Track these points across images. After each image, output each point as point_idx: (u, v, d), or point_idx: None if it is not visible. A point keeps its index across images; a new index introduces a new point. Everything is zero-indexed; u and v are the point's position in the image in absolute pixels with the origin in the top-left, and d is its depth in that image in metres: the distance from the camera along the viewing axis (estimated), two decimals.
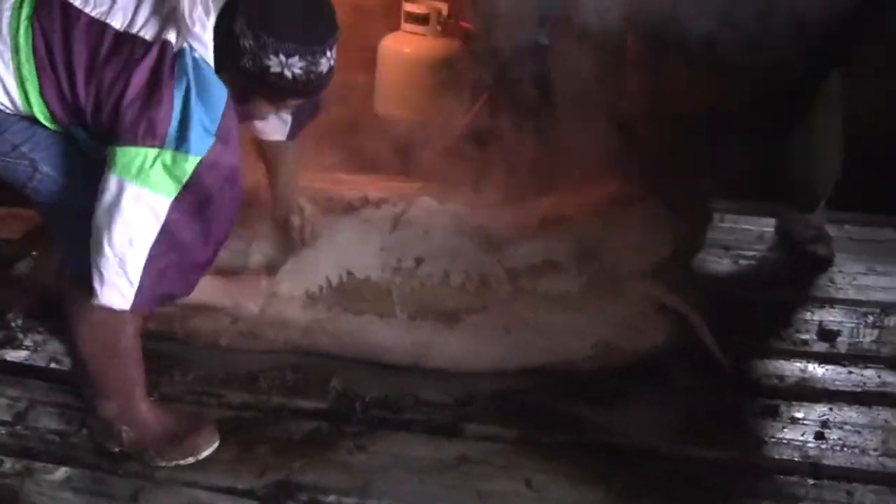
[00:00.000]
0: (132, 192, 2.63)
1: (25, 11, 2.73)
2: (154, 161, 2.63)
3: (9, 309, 3.69)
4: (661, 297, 3.44)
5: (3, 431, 3.15)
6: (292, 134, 3.35)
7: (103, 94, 2.69)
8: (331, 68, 2.75)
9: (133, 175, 2.63)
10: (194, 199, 2.69)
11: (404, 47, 5.01)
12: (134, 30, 2.71)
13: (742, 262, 4.34)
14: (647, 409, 3.35)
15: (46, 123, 2.81)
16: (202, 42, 2.67)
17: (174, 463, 3.01)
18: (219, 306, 3.39)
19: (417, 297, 3.42)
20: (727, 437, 3.24)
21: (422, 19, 5.00)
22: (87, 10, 2.73)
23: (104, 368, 2.98)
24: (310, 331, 3.43)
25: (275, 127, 3.29)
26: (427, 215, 3.51)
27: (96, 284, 2.71)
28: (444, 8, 5.02)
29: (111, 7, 2.74)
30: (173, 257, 2.74)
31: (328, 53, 2.71)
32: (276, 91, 2.75)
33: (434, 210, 3.56)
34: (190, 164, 2.65)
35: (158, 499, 2.92)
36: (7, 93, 2.76)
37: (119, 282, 2.70)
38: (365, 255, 3.46)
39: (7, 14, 2.74)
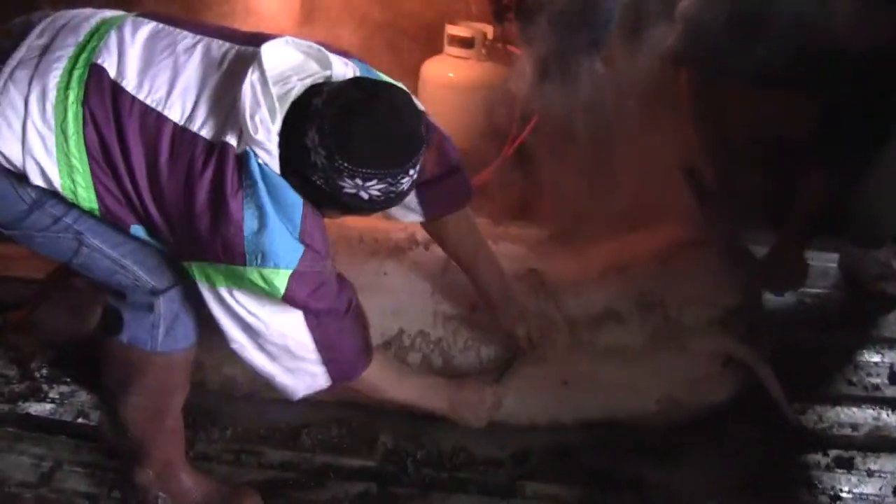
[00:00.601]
0: (243, 298, 2.55)
1: (74, 94, 2.46)
2: (241, 274, 2.48)
3: (32, 357, 3.50)
4: (728, 349, 3.25)
5: (28, 495, 2.97)
6: (432, 214, 3.05)
7: (169, 208, 2.48)
8: (413, 182, 2.51)
9: (224, 282, 2.53)
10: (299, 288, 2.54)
11: (448, 72, 4.85)
12: (193, 127, 2.45)
13: (807, 300, 4.14)
14: (712, 467, 3.18)
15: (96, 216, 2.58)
16: (266, 149, 2.40)
17: None
18: (439, 414, 3.17)
19: (470, 344, 3.23)
20: (801, 493, 3.10)
21: (466, 43, 4.85)
22: (140, 96, 2.47)
23: (147, 434, 2.82)
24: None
25: (402, 211, 3.00)
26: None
27: (286, 383, 2.71)
28: (490, 31, 4.86)
29: (168, 96, 2.47)
30: (328, 322, 2.67)
31: (411, 172, 2.45)
32: (347, 209, 2.54)
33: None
34: (281, 278, 2.48)
35: None
36: (48, 181, 2.50)
37: (301, 366, 2.68)
38: (415, 302, 3.28)
39: (52, 94, 2.46)
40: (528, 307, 3.23)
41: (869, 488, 3.13)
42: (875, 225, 4.06)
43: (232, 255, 2.44)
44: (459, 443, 3.19)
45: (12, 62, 2.50)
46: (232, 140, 2.42)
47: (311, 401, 3.20)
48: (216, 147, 2.42)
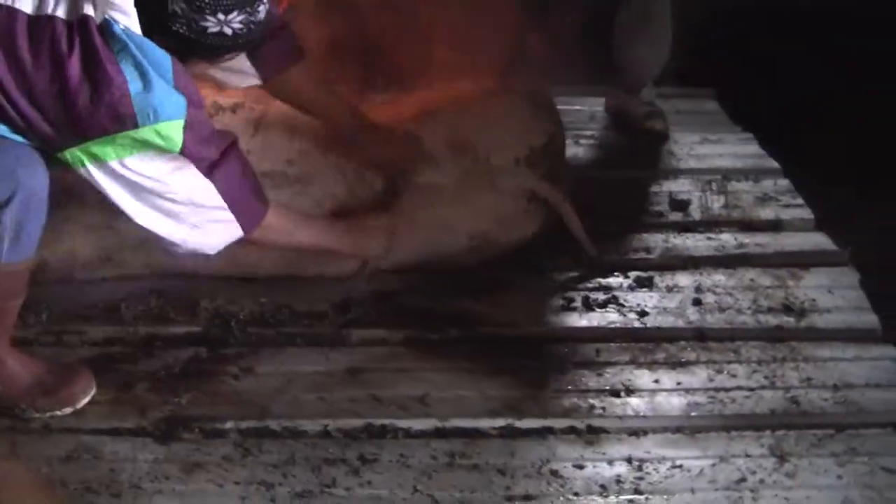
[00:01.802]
0: (138, 164, 2.52)
1: None
2: (136, 139, 2.46)
3: None
4: (533, 186, 3.35)
5: None
6: (269, 74, 3.04)
7: (41, 97, 2.42)
8: (267, 12, 2.55)
9: (121, 153, 2.49)
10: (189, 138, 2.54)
11: None
12: (47, 10, 2.41)
13: (582, 142, 4.32)
14: (528, 296, 3.30)
15: None
16: (124, 11, 2.41)
17: (48, 414, 2.76)
18: (340, 251, 3.15)
19: (289, 201, 3.19)
20: (610, 311, 3.25)
21: None
22: None
23: None
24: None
25: (239, 77, 3.00)
26: (288, 116, 3.26)
27: (200, 241, 2.69)
28: None
29: None
30: (224, 168, 2.65)
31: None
32: (213, 51, 2.55)
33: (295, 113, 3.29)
34: (176, 130, 2.48)
35: (39, 450, 2.67)
36: None
37: (211, 217, 2.65)
38: None
39: None
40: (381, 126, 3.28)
41: (670, 302, 3.30)
42: (636, 70, 4.27)
43: (121, 121, 2.42)
44: (280, 300, 3.19)
45: None
46: (89, 11, 2.41)
47: (126, 275, 3.18)
48: (75, 23, 2.41)
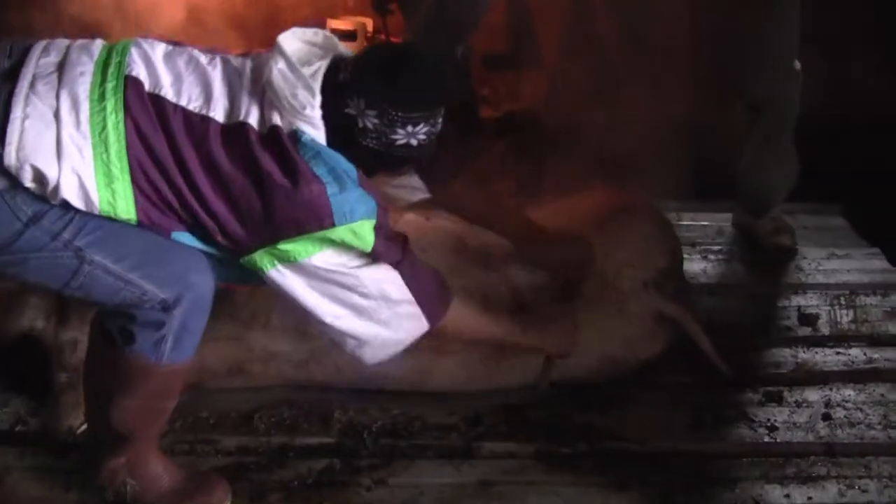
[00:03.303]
0: (328, 258, 2.56)
1: (111, 105, 2.46)
2: (331, 240, 2.53)
3: None
4: (660, 307, 3.36)
5: None
6: (436, 185, 3.13)
7: (237, 199, 2.50)
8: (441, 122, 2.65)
9: (315, 250, 2.54)
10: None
11: None
12: (239, 118, 2.52)
13: (711, 257, 4.34)
14: (656, 412, 3.30)
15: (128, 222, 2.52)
16: (313, 124, 2.50)
17: None
18: (525, 344, 3.12)
19: None
20: (740, 427, 3.24)
21: (348, 36, 4.90)
22: (182, 103, 2.52)
23: (136, 432, 2.77)
24: (304, 363, 3.25)
25: (408, 191, 3.11)
26: (416, 232, 3.30)
27: (389, 337, 2.70)
28: (370, 23, 4.92)
29: (208, 100, 2.54)
30: (408, 262, 2.69)
31: (442, 111, 2.63)
32: (397, 163, 2.67)
33: (423, 227, 3.37)
34: (369, 230, 2.56)
35: None
36: (83, 189, 2.45)
37: (400, 312, 2.67)
38: None
39: (86, 105, 2.46)
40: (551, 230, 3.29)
41: (799, 417, 3.28)
42: (763, 196, 4.32)
43: (319, 218, 2.48)
44: (411, 412, 3.23)
45: (27, 76, 2.47)
46: (277, 121, 2.49)
47: (258, 386, 3.23)
48: (267, 132, 2.49)
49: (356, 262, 2.60)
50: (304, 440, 3.13)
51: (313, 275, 2.57)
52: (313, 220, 2.49)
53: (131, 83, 2.50)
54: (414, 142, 2.56)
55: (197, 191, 2.49)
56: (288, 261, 2.54)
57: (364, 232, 2.54)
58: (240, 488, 2.91)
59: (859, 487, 2.94)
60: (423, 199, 3.13)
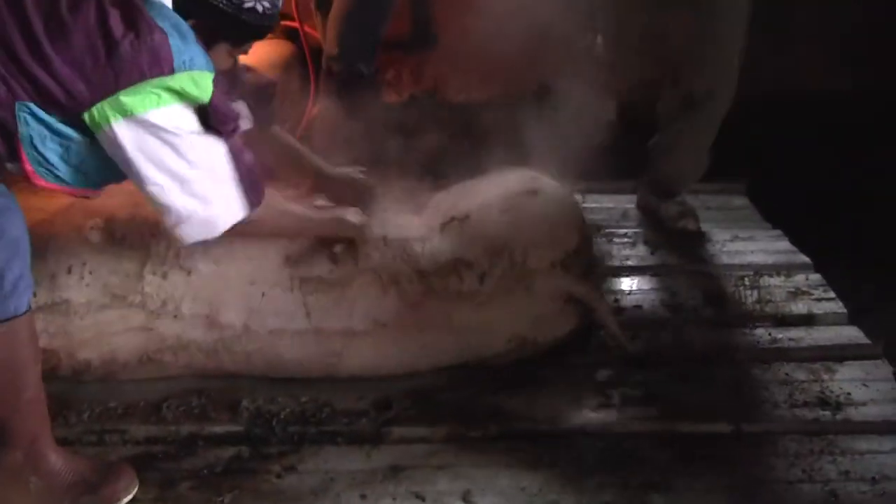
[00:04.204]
0: (163, 115, 2.63)
1: None
2: (170, 88, 2.62)
3: None
4: (569, 288, 3.39)
5: None
6: (262, 121, 3.29)
7: (81, 53, 2.58)
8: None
9: (154, 103, 2.61)
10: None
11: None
12: None
13: (616, 240, 4.39)
14: (563, 393, 3.31)
15: None
16: None
17: None
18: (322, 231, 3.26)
19: (325, 304, 3.24)
20: (647, 408, 3.26)
21: None
22: None
23: (7, 412, 2.71)
24: (214, 352, 3.23)
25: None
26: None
27: (208, 215, 2.76)
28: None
29: None
30: (237, 141, 2.81)
31: None
32: (242, 31, 2.90)
33: (332, 213, 3.35)
34: (208, 80, 2.68)
35: None
36: None
37: (221, 192, 2.76)
38: (268, 266, 3.27)
39: None
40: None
41: (706, 397, 3.31)
42: (674, 184, 4.41)
43: (160, 64, 2.61)
44: (320, 398, 3.22)
45: None
46: None
47: (167, 375, 3.21)
48: None
49: (193, 122, 2.70)
50: (213, 429, 3.11)
51: (148, 133, 2.64)
52: (155, 66, 2.60)
53: None
54: (259, 7, 2.83)
55: (43, 59, 2.55)
56: (126, 114, 2.60)
57: (204, 81, 2.67)
58: (149, 477, 2.89)
59: (766, 465, 2.98)
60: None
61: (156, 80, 2.60)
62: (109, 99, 2.58)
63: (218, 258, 3.20)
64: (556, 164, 3.72)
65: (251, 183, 2.83)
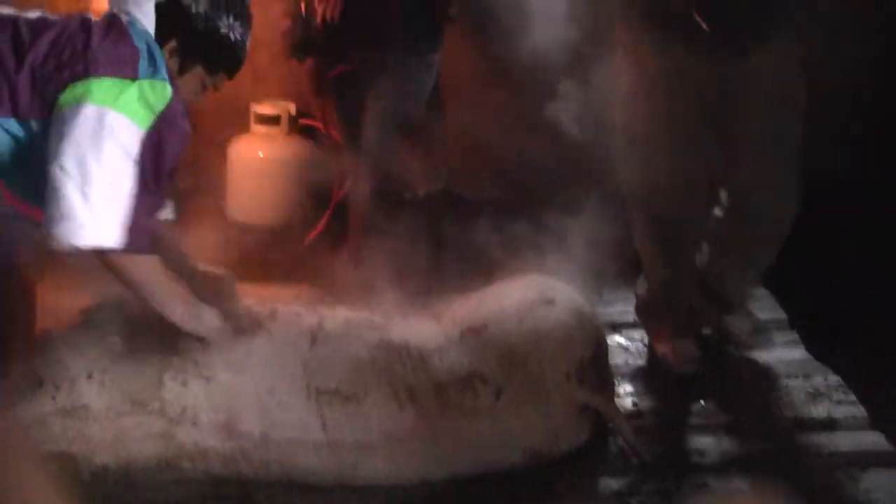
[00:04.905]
0: (113, 118, 2.85)
1: None
2: (132, 91, 2.89)
3: None
4: (585, 399, 3.40)
5: None
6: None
7: (59, 44, 2.92)
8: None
9: (112, 102, 2.86)
10: (157, 132, 2.94)
11: (257, 150, 4.88)
12: (77, 17, 3.06)
13: (634, 336, 4.39)
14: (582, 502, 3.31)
15: None
16: (143, 12, 3.06)
17: None
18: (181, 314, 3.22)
19: (343, 415, 3.25)
20: None
21: (272, 120, 4.90)
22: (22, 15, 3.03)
23: None
24: (231, 459, 3.22)
25: None
26: (345, 327, 3.36)
27: (80, 220, 2.82)
28: (293, 108, 4.94)
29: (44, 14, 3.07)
30: (137, 189, 2.92)
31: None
32: (215, 56, 3.17)
33: (352, 321, 3.42)
34: (168, 90, 2.97)
35: None
36: None
37: (107, 209, 2.85)
38: (285, 375, 3.27)
39: None
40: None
41: None
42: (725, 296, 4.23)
43: (125, 68, 2.92)
44: None
45: None
46: (116, 11, 3.06)
47: (185, 479, 3.20)
48: (105, 18, 3.05)
49: (126, 141, 2.88)
50: None
51: (90, 119, 2.84)
52: (122, 67, 2.91)
53: None
54: (232, 36, 3.15)
55: (24, 58, 2.90)
56: (87, 98, 2.85)
57: (162, 89, 2.97)
58: None
59: None
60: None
61: (120, 79, 2.89)
62: (81, 83, 2.87)
63: (236, 366, 3.21)
64: (572, 268, 3.73)
65: (136, 225, 2.92)
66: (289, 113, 4.93)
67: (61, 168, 2.81)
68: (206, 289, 3.36)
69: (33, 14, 3.05)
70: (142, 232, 2.95)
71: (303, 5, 4.39)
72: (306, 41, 4.46)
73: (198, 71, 3.18)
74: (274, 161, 4.89)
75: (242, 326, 3.31)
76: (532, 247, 3.98)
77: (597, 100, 3.98)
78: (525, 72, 4.47)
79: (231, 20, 3.14)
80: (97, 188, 2.82)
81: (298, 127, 4.99)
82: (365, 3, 4.29)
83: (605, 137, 3.95)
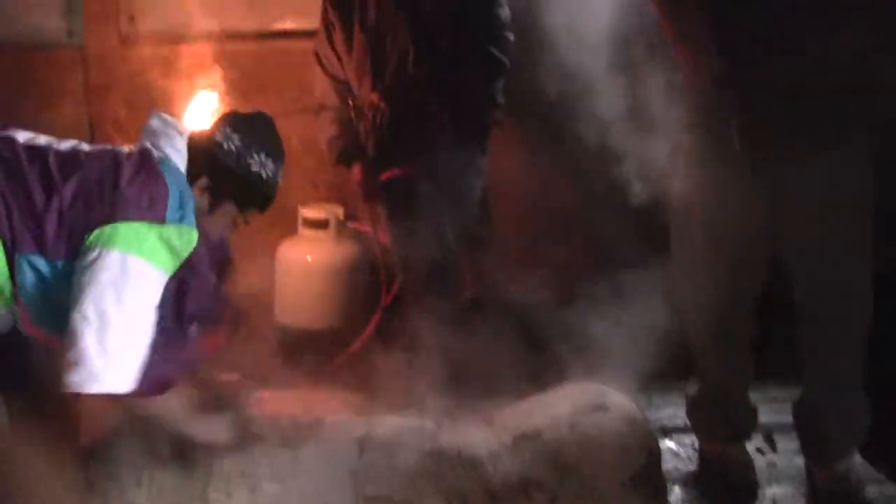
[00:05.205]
0: (137, 265, 2.86)
1: None
2: (158, 235, 2.90)
3: None
4: None
5: None
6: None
7: (89, 185, 2.95)
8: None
9: (137, 249, 2.87)
10: (180, 279, 2.99)
11: (305, 254, 4.91)
12: (109, 148, 3.12)
13: (685, 441, 4.33)
14: None
15: None
16: (177, 149, 3.11)
17: None
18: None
19: None
20: None
21: (320, 224, 4.92)
22: (54, 146, 3.08)
23: None
24: None
25: None
26: (395, 433, 3.33)
27: (96, 369, 2.82)
28: (341, 211, 4.96)
29: (78, 143, 3.13)
30: (157, 334, 2.94)
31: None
32: (246, 193, 3.22)
33: (401, 427, 3.38)
34: (194, 236, 2.99)
35: None
36: None
37: (124, 360, 2.86)
38: (333, 485, 3.23)
39: None
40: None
41: None
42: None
43: (154, 212, 2.93)
44: None
45: None
46: (148, 146, 3.11)
47: None
48: (136, 153, 3.08)
49: (151, 288, 2.93)
50: None
51: (114, 265, 2.86)
52: (150, 210, 2.92)
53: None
54: (264, 174, 3.20)
55: (52, 201, 2.93)
56: (113, 244, 2.86)
57: (189, 236, 2.98)
58: None
59: None
60: None
61: (147, 223, 2.91)
62: (107, 227, 2.89)
63: (282, 476, 3.18)
64: (623, 373, 3.70)
65: (153, 369, 2.92)
66: (336, 216, 4.95)
67: (81, 315, 2.84)
68: (221, 396, 3.39)
69: (66, 145, 3.08)
70: (158, 376, 2.97)
71: (352, 112, 4.41)
72: (354, 147, 4.48)
73: (229, 207, 3.22)
74: (321, 265, 4.89)
75: (253, 434, 3.28)
76: (583, 352, 3.93)
77: (647, 206, 3.94)
78: (574, 177, 4.50)
79: (263, 157, 3.19)
80: (115, 336, 2.85)
81: (346, 231, 4.98)
82: (414, 108, 4.31)
83: (657, 246, 3.91)
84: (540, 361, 3.99)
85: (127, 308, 2.86)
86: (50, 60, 5.24)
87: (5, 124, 3.15)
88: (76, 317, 2.84)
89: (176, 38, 5.16)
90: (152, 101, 4.94)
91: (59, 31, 5.25)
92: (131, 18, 5.23)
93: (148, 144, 3.10)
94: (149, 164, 3.02)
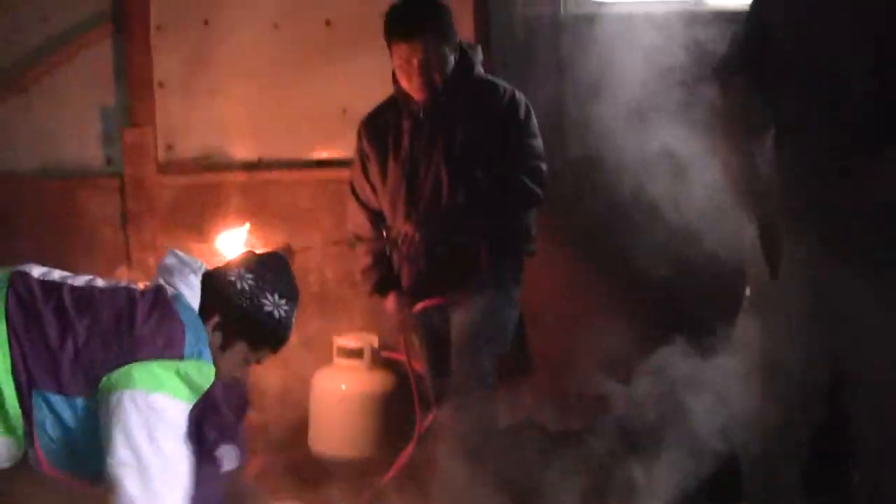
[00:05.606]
0: (161, 401, 2.84)
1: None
2: (176, 371, 2.86)
3: None
4: None
5: None
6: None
7: (105, 325, 2.92)
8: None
9: (158, 386, 2.84)
10: (198, 412, 2.97)
11: (339, 383, 4.89)
12: (122, 284, 3.10)
13: None
14: None
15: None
16: (191, 286, 3.06)
17: None
18: None
19: None
20: None
21: (355, 353, 4.91)
22: (69, 282, 3.07)
23: None
24: None
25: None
26: None
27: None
28: (376, 340, 4.95)
29: (92, 279, 3.13)
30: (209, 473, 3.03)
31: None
32: (259, 333, 3.13)
33: None
34: (213, 372, 2.97)
35: None
36: None
37: (172, 492, 2.86)
38: None
39: None
40: None
41: None
42: None
43: (172, 348, 2.90)
44: None
45: None
46: (162, 283, 3.07)
47: None
48: (151, 290, 3.05)
49: (178, 422, 2.90)
50: None
51: (139, 409, 2.82)
52: (167, 348, 2.89)
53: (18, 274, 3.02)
54: (277, 314, 3.11)
55: (67, 339, 2.90)
56: (132, 386, 2.83)
57: (208, 371, 2.95)
58: None
59: None
60: None
61: (165, 361, 2.87)
62: (125, 368, 2.85)
63: None
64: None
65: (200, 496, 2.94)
66: (371, 346, 4.94)
67: (117, 460, 2.83)
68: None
69: (80, 280, 3.09)
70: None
71: (386, 243, 4.42)
72: (388, 277, 4.48)
73: (241, 346, 3.16)
74: (356, 394, 4.87)
75: None
76: (621, 481, 3.89)
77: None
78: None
79: (276, 298, 3.13)
80: (156, 475, 2.84)
81: (381, 360, 4.97)
82: (448, 239, 4.31)
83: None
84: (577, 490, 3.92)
85: (161, 445, 2.84)
86: (89, 187, 5.31)
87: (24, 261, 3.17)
88: (112, 463, 2.83)
89: (212, 165, 5.21)
90: (188, 228, 5.00)
91: (97, 160, 5.33)
92: (169, 147, 5.31)
93: (162, 281, 3.09)
94: (163, 302, 3.00)
